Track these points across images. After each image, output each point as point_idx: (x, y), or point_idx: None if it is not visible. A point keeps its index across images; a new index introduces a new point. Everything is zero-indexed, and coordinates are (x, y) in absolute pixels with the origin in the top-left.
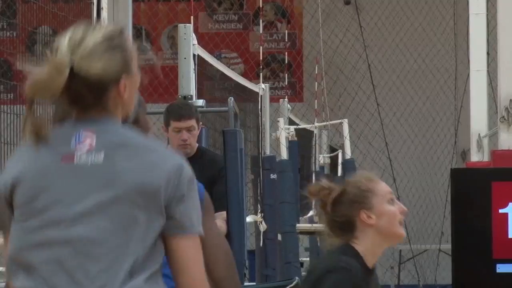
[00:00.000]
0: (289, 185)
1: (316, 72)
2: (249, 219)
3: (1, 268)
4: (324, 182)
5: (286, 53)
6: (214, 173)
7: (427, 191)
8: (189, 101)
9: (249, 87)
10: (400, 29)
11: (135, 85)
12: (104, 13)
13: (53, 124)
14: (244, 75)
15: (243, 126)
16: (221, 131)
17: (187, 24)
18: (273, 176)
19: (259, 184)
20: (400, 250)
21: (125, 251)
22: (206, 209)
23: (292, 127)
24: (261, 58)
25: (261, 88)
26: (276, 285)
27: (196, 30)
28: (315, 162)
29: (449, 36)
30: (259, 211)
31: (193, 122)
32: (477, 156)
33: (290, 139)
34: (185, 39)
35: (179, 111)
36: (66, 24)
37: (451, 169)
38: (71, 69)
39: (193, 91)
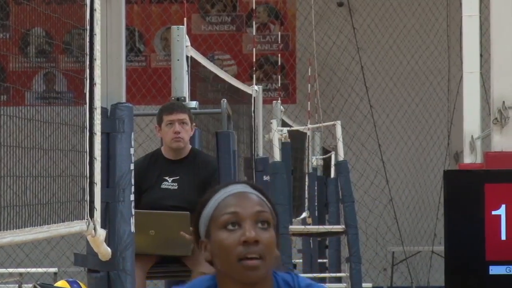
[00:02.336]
0: (282, 187)
1: (309, 74)
2: None
3: (4, 269)
4: None
5: (279, 55)
6: (207, 174)
7: (420, 193)
8: (182, 102)
9: (242, 88)
10: (393, 31)
11: None
12: (97, 15)
13: None
14: (237, 76)
15: (236, 127)
16: (214, 132)
17: (180, 26)
18: (266, 178)
19: None
20: (393, 252)
21: None
22: None
23: (285, 129)
24: (254, 60)
25: (254, 89)
26: None
27: (189, 32)
28: (308, 164)
29: (442, 38)
30: None
31: (185, 116)
32: (470, 158)
33: (283, 141)
34: (178, 40)
35: (171, 106)
36: (59, 26)
37: (444, 171)
38: None
39: (186, 92)
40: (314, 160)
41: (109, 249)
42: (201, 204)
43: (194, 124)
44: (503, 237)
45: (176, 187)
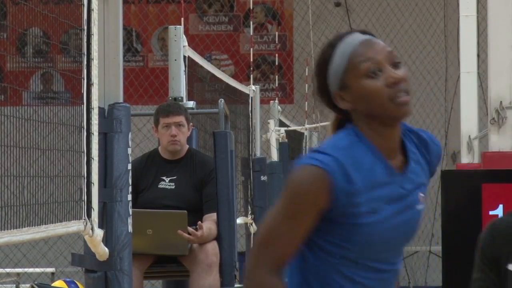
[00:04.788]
0: (279, 187)
1: (307, 74)
2: (239, 220)
3: (1, 269)
4: None
5: (277, 55)
6: (204, 175)
7: None
8: (179, 102)
9: (239, 88)
10: (390, 31)
11: None
12: (95, 15)
13: None
14: (234, 76)
15: (234, 127)
16: (211, 132)
17: (178, 26)
18: (263, 178)
19: (249, 186)
20: None
21: None
22: None
23: (283, 129)
24: (251, 60)
25: (252, 89)
26: None
27: (186, 32)
28: None
29: (439, 38)
30: (249, 212)
31: (181, 118)
32: (468, 158)
33: (280, 141)
34: (175, 40)
35: (167, 108)
36: (56, 26)
37: (441, 171)
38: None
39: (183, 92)
40: None
41: (106, 249)
42: (323, 60)
43: (191, 124)
44: None
45: (173, 187)
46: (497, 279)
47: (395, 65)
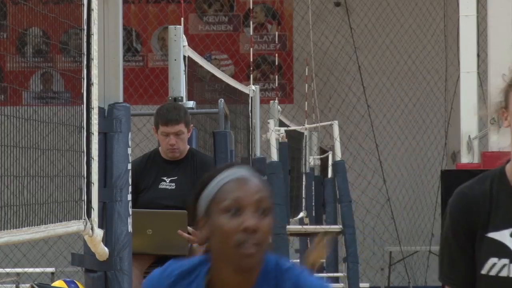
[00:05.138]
0: (279, 187)
1: (306, 74)
2: None
3: (1, 269)
4: None
5: (277, 55)
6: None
7: (417, 193)
8: (179, 102)
9: (239, 88)
10: (390, 31)
11: None
12: (95, 15)
13: None
14: (234, 76)
15: (233, 127)
16: (211, 132)
17: (177, 26)
18: (263, 177)
19: None
20: (390, 252)
21: None
22: None
23: (282, 129)
24: (251, 60)
25: (252, 89)
26: None
27: (186, 32)
28: (305, 164)
29: (439, 37)
30: None
31: (181, 127)
32: (467, 158)
33: (280, 141)
34: (175, 40)
35: (166, 115)
36: (56, 26)
37: (441, 170)
38: None
39: (183, 92)
40: (312, 160)
41: (106, 249)
42: (202, 182)
43: (191, 125)
44: None
45: (173, 187)
46: (470, 249)
47: (263, 213)
